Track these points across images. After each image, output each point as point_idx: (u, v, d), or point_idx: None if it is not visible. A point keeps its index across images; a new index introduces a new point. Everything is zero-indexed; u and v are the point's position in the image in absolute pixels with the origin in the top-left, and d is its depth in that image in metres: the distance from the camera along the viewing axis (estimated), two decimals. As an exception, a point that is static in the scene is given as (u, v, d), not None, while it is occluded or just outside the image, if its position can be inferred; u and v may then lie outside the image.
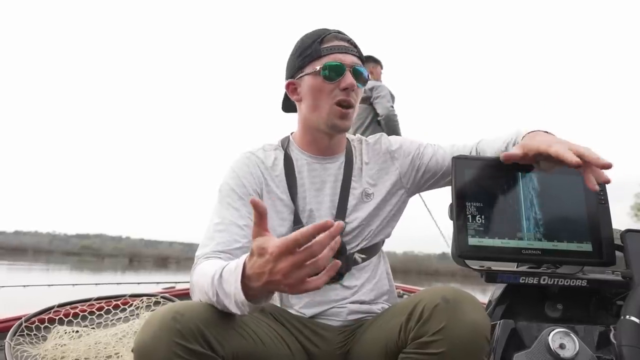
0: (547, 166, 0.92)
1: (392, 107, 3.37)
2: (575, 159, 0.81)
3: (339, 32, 1.09)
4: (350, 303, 1.06)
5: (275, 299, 1.10)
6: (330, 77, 1.04)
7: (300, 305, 1.05)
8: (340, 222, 0.68)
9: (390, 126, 3.35)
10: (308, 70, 1.07)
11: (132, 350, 0.79)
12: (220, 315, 0.85)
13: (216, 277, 0.81)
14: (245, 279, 0.75)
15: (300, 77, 1.09)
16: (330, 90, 1.05)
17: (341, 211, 1.08)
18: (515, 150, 0.93)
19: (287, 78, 1.13)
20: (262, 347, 0.90)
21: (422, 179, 1.16)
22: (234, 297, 0.77)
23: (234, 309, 0.79)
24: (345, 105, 1.05)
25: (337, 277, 1.05)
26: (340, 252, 1.05)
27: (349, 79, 1.04)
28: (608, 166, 0.82)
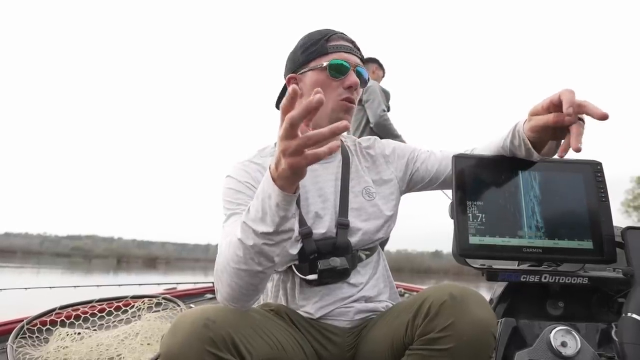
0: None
1: (383, 110, 3.27)
2: (569, 107, 0.78)
3: (343, 33, 1.12)
4: (356, 301, 1.06)
5: (281, 300, 1.09)
6: (336, 74, 1.07)
7: (308, 306, 1.05)
8: (320, 96, 0.68)
9: (383, 131, 3.27)
10: (313, 65, 1.08)
11: (158, 355, 0.79)
12: (248, 321, 0.85)
13: (244, 215, 0.83)
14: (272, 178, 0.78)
15: (304, 72, 1.10)
16: (335, 87, 1.07)
17: (343, 209, 1.08)
18: (541, 111, 0.86)
19: (288, 73, 1.13)
20: (284, 353, 0.90)
21: (412, 181, 1.19)
22: (268, 200, 0.78)
23: (269, 221, 0.79)
24: (349, 101, 1.08)
25: (344, 275, 1.05)
26: (346, 250, 1.05)
27: (353, 77, 1.08)
28: (605, 117, 0.78)
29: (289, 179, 0.76)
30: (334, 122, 1.06)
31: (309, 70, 1.09)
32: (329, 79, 1.07)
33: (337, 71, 1.07)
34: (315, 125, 1.10)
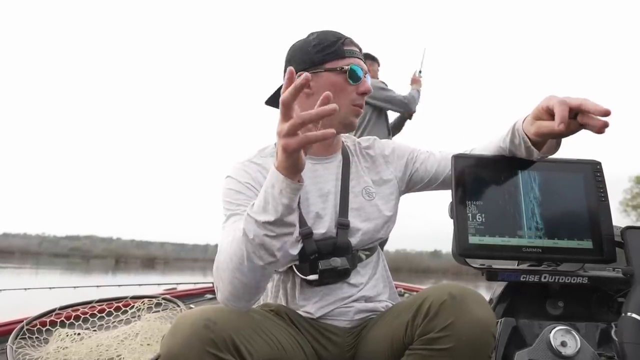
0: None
1: (404, 97, 3.35)
2: (560, 123, 0.78)
3: (352, 38, 1.14)
4: (356, 301, 1.06)
5: (281, 300, 1.10)
6: (354, 79, 1.09)
7: (308, 306, 1.05)
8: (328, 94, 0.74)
9: (414, 103, 3.36)
10: (330, 66, 1.09)
11: (158, 356, 0.79)
12: (248, 322, 0.85)
13: (248, 208, 0.84)
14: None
15: (318, 72, 1.09)
16: (350, 91, 1.09)
17: (343, 209, 1.08)
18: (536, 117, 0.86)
19: (297, 70, 1.12)
20: (284, 354, 0.90)
21: (411, 182, 1.20)
22: (271, 190, 0.80)
23: (271, 210, 0.80)
24: (360, 107, 1.12)
25: (345, 275, 1.05)
26: (347, 251, 1.05)
27: (367, 85, 1.11)
28: (607, 113, 0.77)
29: (287, 165, 0.77)
30: (346, 124, 1.09)
31: (325, 70, 1.09)
32: (346, 82, 1.08)
33: (355, 77, 1.09)
34: (326, 127, 1.10)
